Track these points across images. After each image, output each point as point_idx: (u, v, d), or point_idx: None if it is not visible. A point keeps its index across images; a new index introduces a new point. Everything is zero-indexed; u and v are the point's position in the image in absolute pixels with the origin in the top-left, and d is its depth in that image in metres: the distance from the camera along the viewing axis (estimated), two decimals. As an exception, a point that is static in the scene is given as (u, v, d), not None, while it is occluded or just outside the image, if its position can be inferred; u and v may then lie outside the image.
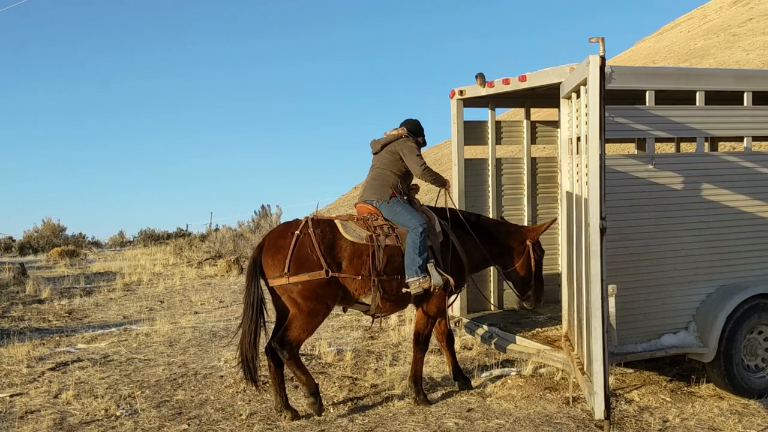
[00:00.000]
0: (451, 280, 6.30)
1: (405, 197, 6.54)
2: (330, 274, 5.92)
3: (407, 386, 6.49)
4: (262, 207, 20.44)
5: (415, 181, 6.88)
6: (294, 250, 5.93)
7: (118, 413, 6.31)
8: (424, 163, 6.54)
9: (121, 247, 25.05)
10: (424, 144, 6.77)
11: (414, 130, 6.76)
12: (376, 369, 7.40)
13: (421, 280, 6.11)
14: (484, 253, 6.73)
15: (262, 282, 6.12)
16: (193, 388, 7.04)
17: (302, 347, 8.22)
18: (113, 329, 9.90)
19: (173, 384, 7.17)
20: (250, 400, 6.56)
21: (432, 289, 6.22)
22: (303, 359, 7.73)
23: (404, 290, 6.20)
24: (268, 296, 6.17)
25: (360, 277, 6.03)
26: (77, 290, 13.57)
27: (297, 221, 6.21)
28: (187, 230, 26.79)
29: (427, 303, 6.37)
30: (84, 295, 13.00)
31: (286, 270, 5.90)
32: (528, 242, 6.77)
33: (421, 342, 6.40)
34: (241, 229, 20.47)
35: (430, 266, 6.20)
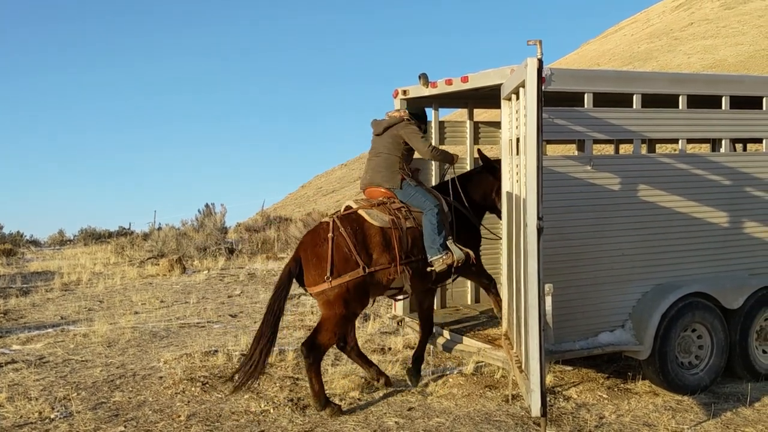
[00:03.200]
0: (471, 253, 6.55)
1: (412, 179, 6.74)
2: (367, 270, 6.08)
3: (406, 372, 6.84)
4: (206, 206, 20.21)
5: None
6: (333, 255, 6.03)
7: (52, 416, 6.17)
8: (430, 143, 6.85)
9: (60, 246, 24.47)
10: (425, 133, 6.95)
11: (416, 114, 7.01)
12: (318, 369, 7.37)
13: (444, 257, 6.33)
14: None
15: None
16: (131, 389, 6.92)
17: (244, 346, 8.19)
18: (50, 330, 9.68)
19: (111, 385, 7.04)
20: (189, 401, 6.47)
21: (455, 264, 6.39)
22: (243, 358, 7.67)
23: (429, 269, 6.38)
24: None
25: (392, 263, 6.20)
26: (13, 290, 13.23)
27: (324, 224, 6.27)
28: (129, 229, 26.30)
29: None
30: (20, 296, 12.67)
31: (328, 275, 5.99)
32: (493, 179, 7.03)
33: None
34: (184, 227, 20.19)
35: (450, 243, 6.41)
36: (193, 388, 6.79)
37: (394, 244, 6.22)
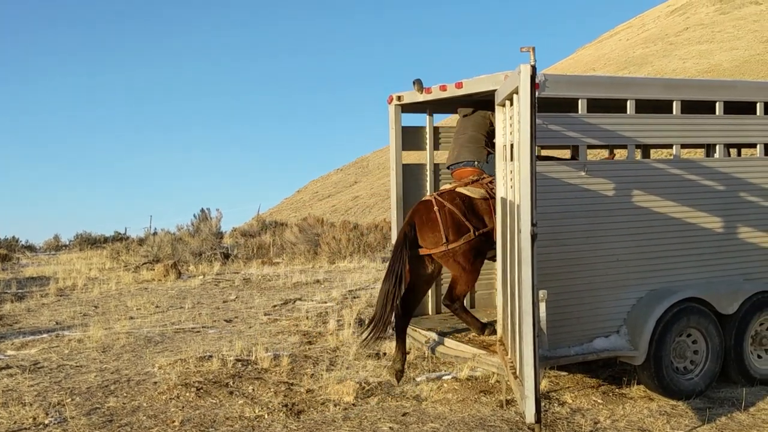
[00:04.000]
0: None
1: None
2: (477, 233, 6.74)
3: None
4: (202, 210, 20.20)
5: None
6: (445, 221, 6.72)
7: (46, 421, 6.16)
8: None
9: (55, 251, 24.44)
10: None
11: None
12: (313, 374, 7.37)
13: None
14: None
15: None
16: (125, 394, 6.91)
17: (238, 351, 8.18)
18: (45, 335, 9.66)
19: (105, 391, 7.03)
20: (183, 407, 6.47)
21: None
22: (239, 364, 7.68)
23: None
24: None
25: (493, 228, 6.73)
26: (8, 295, 13.19)
27: (428, 200, 6.94)
28: (125, 234, 26.28)
29: None
30: (15, 301, 12.65)
31: (444, 240, 6.68)
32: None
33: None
34: (180, 232, 20.17)
35: None
36: (187, 394, 6.78)
37: (491, 212, 6.79)
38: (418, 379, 7.08)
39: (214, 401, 6.62)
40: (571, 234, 6.25)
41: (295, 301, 11.95)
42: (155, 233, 22.14)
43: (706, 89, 6.93)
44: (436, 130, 8.30)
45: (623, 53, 79.16)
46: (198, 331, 9.81)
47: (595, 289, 6.36)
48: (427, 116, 8.22)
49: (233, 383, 7.09)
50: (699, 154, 11.46)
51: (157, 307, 11.89)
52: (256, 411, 6.27)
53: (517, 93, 5.21)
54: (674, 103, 6.67)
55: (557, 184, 6.20)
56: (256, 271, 16.35)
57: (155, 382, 7.24)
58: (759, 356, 7.00)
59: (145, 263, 17.76)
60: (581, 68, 76.54)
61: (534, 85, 4.90)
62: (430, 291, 8.20)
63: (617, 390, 6.73)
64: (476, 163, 7.24)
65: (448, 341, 7.06)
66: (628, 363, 6.53)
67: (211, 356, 7.99)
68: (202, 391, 6.86)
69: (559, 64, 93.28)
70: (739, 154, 9.24)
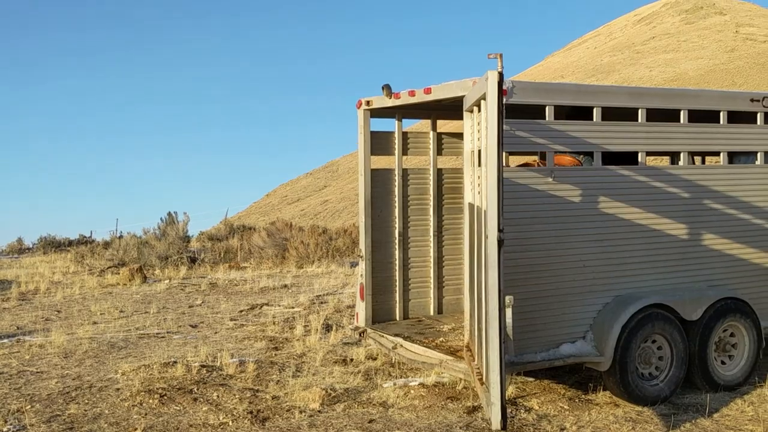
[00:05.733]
0: None
1: None
2: None
3: None
4: (169, 214, 20.03)
5: None
6: None
7: (5, 429, 6.02)
8: None
9: (18, 254, 24.05)
10: None
11: None
12: (279, 381, 7.30)
13: None
14: None
15: None
16: (86, 401, 6.79)
17: (203, 357, 8.09)
18: (5, 340, 9.47)
19: (66, 397, 6.90)
20: (146, 414, 6.36)
21: None
22: (204, 370, 7.59)
23: None
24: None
25: None
26: (-32, 300, 12.94)
27: None
28: (90, 237, 25.94)
29: None
30: (-24, 305, 12.41)
31: None
32: None
33: None
34: (146, 236, 19.96)
35: None
36: (150, 400, 6.68)
37: None
38: (385, 386, 7.04)
39: (178, 408, 6.53)
40: (539, 240, 6.27)
41: (261, 307, 11.86)
42: (121, 237, 21.89)
43: (671, 98, 7.00)
44: (405, 136, 8.29)
45: (591, 61, 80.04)
46: (163, 337, 9.69)
47: (561, 294, 6.38)
48: (396, 121, 8.21)
49: (198, 390, 7.00)
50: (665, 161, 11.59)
51: (121, 311, 11.73)
52: (221, 418, 6.20)
53: (484, 99, 5.21)
54: (639, 111, 6.72)
55: (525, 190, 6.21)
56: (223, 275, 16.21)
57: (118, 389, 7.13)
58: (722, 362, 7.07)
59: (110, 267, 17.54)
60: (550, 75, 77.22)
61: (501, 92, 4.90)
62: (397, 296, 8.20)
63: (583, 396, 6.75)
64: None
65: (415, 347, 7.04)
66: (595, 369, 6.55)
67: (175, 362, 7.89)
68: (165, 397, 6.76)
69: (528, 70, 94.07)
70: (703, 162, 9.35)
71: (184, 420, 6.21)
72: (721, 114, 7.14)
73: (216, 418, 6.21)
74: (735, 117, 7.25)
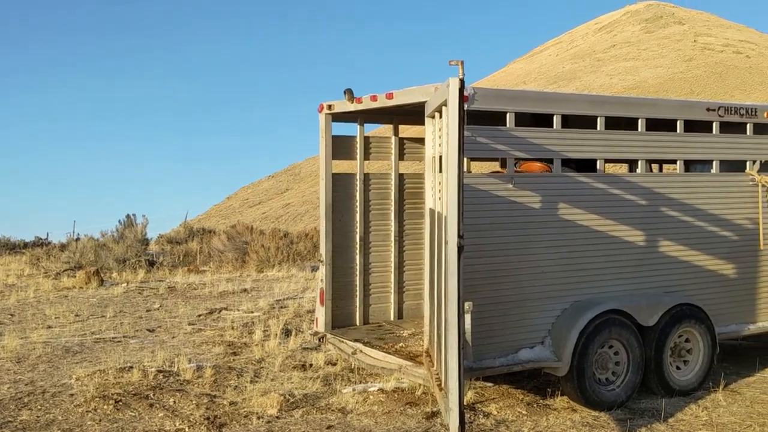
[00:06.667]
0: None
1: None
2: None
3: None
4: (127, 216, 19.72)
5: None
6: None
7: (-47, 437, 5.87)
8: None
9: (-28, 257, 23.53)
10: None
11: None
12: (236, 386, 7.23)
13: None
14: None
15: None
16: (39, 407, 6.64)
17: (160, 362, 7.98)
18: (-44, 345, 9.24)
19: (18, 403, 6.74)
20: (100, 420, 6.25)
21: None
22: (160, 376, 7.48)
23: None
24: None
25: None
26: None
27: None
28: (47, 239, 25.46)
29: None
30: (-74, 308, 12.10)
31: None
32: None
33: None
34: (104, 239, 19.64)
35: None
36: (105, 406, 6.56)
37: None
38: (344, 391, 7.01)
39: (133, 414, 6.43)
40: (499, 246, 6.30)
41: (220, 311, 11.74)
42: (78, 239, 21.51)
43: (629, 106, 7.09)
44: (367, 140, 8.27)
45: (553, 68, 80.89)
46: (119, 341, 9.54)
47: (520, 300, 6.42)
48: (358, 126, 8.19)
49: (154, 395, 6.90)
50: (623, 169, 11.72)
51: (77, 315, 11.52)
52: (177, 424, 6.12)
53: (445, 105, 5.22)
54: (598, 119, 6.79)
55: (485, 196, 6.23)
56: (182, 279, 16.02)
57: (72, 395, 6.99)
58: (678, 367, 7.16)
59: (66, 270, 17.22)
60: (513, 81, 77.91)
61: (462, 98, 4.91)
62: (357, 301, 8.17)
63: (541, 401, 6.79)
64: None
65: (374, 352, 7.02)
66: (553, 374, 6.60)
67: (131, 367, 7.76)
68: (120, 403, 6.65)
69: (491, 76, 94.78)
70: (660, 169, 9.47)
71: (140, 426, 6.11)
72: (678, 123, 7.25)
73: (172, 424, 6.13)
74: (692, 126, 7.36)
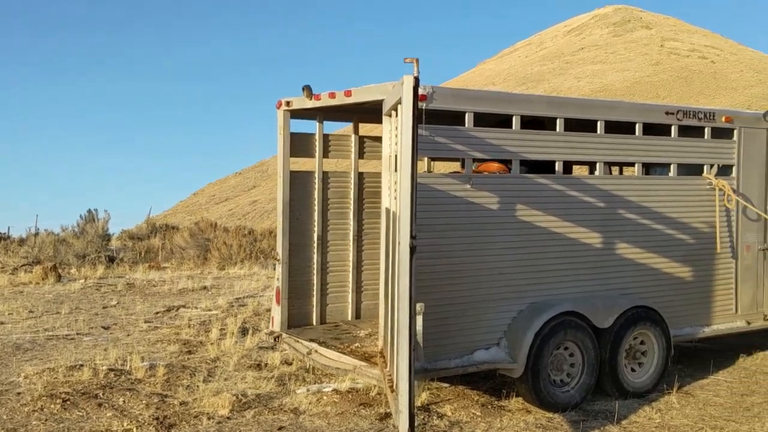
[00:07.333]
0: None
1: None
2: None
3: None
4: (89, 211, 19.42)
5: None
6: None
7: None
8: None
9: (-72, 250, 23.01)
10: None
11: None
12: (189, 385, 7.10)
13: None
14: None
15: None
16: (-16, 407, 6.48)
17: (113, 360, 7.82)
18: None
19: (-38, 403, 6.57)
20: (46, 420, 6.10)
21: None
22: (112, 374, 7.34)
23: None
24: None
25: None
26: None
27: None
28: (7, 234, 25.00)
29: None
30: None
31: None
32: None
33: None
34: (64, 233, 19.33)
35: None
36: (52, 406, 6.41)
37: None
38: (298, 392, 6.92)
39: (81, 414, 6.29)
40: (456, 246, 6.25)
41: (178, 309, 11.58)
42: (37, 234, 21.15)
43: (588, 108, 7.09)
44: (326, 138, 8.19)
45: (522, 69, 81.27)
46: (72, 338, 9.35)
47: (477, 301, 6.38)
48: (318, 123, 8.10)
49: (103, 394, 6.76)
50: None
51: (30, 311, 11.29)
52: (125, 424, 5.99)
53: (401, 103, 5.15)
54: (558, 121, 6.78)
55: (443, 196, 6.19)
56: (142, 275, 15.80)
57: (19, 393, 6.83)
58: (632, 369, 7.18)
59: (24, 265, 16.91)
60: (482, 82, 78.15)
61: (417, 97, 4.85)
62: (314, 301, 8.09)
63: (496, 402, 6.76)
64: None
65: (329, 352, 6.94)
66: (508, 375, 6.57)
67: (82, 365, 7.60)
68: (69, 402, 6.50)
69: (461, 76, 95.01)
70: (620, 172, 9.50)
71: (86, 426, 5.99)
72: (637, 126, 7.26)
73: (120, 424, 6.00)
74: (651, 129, 7.38)
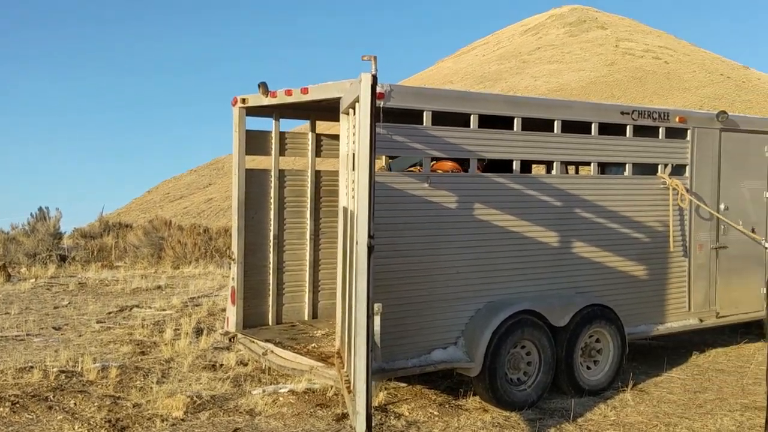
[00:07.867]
0: None
1: None
2: None
3: None
4: (40, 209, 19.00)
5: None
6: None
7: None
8: None
9: None
10: None
11: None
12: (142, 387, 6.97)
13: None
14: None
15: None
16: (-73, 411, 6.27)
17: (63, 362, 7.65)
18: None
19: None
20: (-7, 425, 5.93)
21: None
22: (62, 376, 7.17)
23: None
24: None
25: None
26: None
27: None
28: (-46, 231, 24.35)
29: None
30: None
31: None
32: None
33: None
34: (14, 232, 18.89)
35: None
36: (1, 409, 6.26)
37: None
38: (254, 393, 6.84)
39: (31, 417, 6.13)
40: (413, 245, 6.23)
41: (131, 309, 11.38)
42: (-15, 232, 20.62)
43: (545, 108, 7.12)
44: (282, 136, 8.10)
45: (479, 68, 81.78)
46: (22, 340, 9.12)
47: (434, 300, 6.36)
48: (274, 121, 8.01)
49: (54, 397, 6.60)
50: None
51: (-22, 312, 11.00)
52: (76, 428, 5.85)
53: (358, 101, 5.11)
54: (515, 120, 6.79)
55: (401, 195, 6.15)
56: (94, 275, 15.51)
57: (-37, 398, 6.63)
58: (588, 367, 7.23)
59: (-29, 264, 16.47)
60: (440, 80, 78.41)
61: (375, 95, 4.81)
62: (270, 300, 8.00)
63: (454, 402, 6.76)
64: None
65: (285, 353, 6.87)
66: (465, 374, 6.57)
67: (32, 367, 7.43)
68: (18, 405, 6.34)
69: (420, 74, 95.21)
70: (577, 171, 9.58)
71: (36, 430, 5.85)
72: (593, 125, 7.31)
73: (71, 427, 5.87)
74: (606, 129, 7.44)
